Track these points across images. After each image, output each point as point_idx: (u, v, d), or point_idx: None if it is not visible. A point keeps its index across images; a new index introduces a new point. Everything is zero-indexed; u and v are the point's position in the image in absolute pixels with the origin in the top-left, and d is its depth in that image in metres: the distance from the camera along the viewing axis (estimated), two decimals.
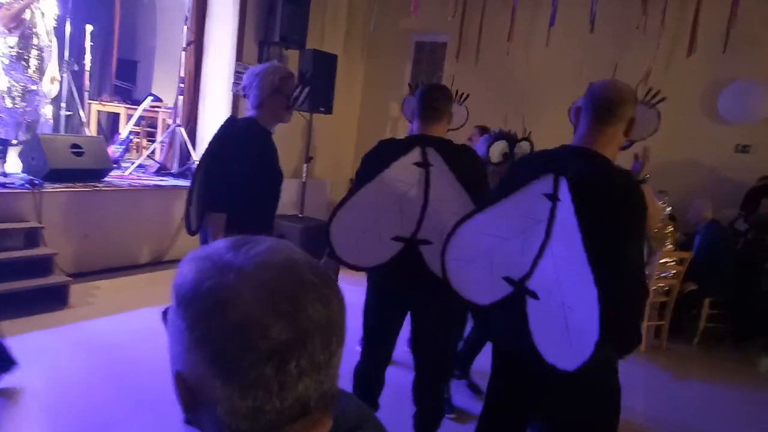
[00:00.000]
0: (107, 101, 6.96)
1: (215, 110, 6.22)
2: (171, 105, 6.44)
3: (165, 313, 0.70)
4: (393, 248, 2.25)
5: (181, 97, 6.00)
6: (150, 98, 6.61)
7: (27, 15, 4.78)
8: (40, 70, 4.96)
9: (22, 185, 4.37)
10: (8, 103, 4.77)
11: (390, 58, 7.68)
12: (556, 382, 1.73)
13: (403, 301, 2.39)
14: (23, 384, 3.01)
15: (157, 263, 5.29)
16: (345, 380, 0.68)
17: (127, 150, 6.54)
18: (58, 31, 5.29)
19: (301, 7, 6.32)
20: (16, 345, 3.26)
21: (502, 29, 6.56)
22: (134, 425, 2.81)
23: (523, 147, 3.36)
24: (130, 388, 3.10)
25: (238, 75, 6.06)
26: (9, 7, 4.66)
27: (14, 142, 4.86)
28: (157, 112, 6.95)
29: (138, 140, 7.22)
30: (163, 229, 5.36)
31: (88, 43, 6.04)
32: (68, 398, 2.96)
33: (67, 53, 5.63)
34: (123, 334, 3.79)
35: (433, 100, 2.34)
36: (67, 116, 5.83)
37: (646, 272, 4.30)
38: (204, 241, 2.55)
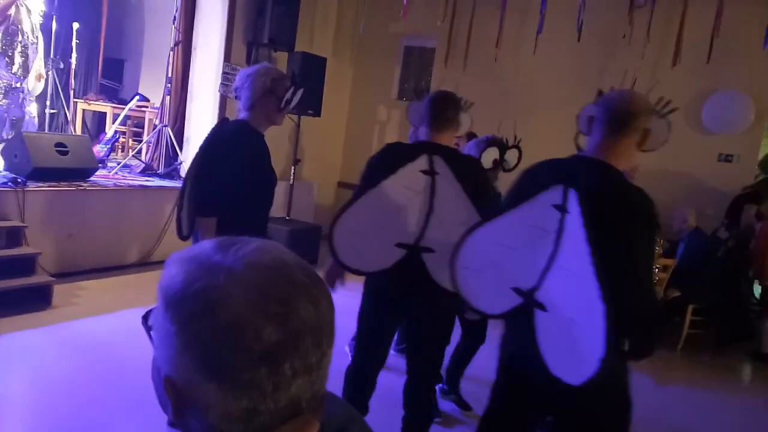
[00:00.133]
0: (93, 100, 6.90)
1: (202, 111, 6.18)
2: (158, 105, 6.40)
3: (146, 317, 0.69)
4: (396, 254, 2.25)
5: (168, 97, 5.95)
6: (137, 98, 6.57)
7: (12, 11, 4.74)
8: (25, 67, 4.91)
9: (5, 183, 4.31)
10: None
11: (379, 62, 7.70)
12: (562, 395, 1.70)
13: (403, 306, 2.39)
14: (7, 383, 2.97)
15: (142, 264, 5.24)
16: (333, 382, 0.68)
17: (112, 149, 6.48)
18: (44, 28, 5.24)
19: (291, 9, 6.30)
20: None
21: (490, 35, 6.60)
22: (119, 425, 2.79)
23: (511, 155, 3.35)
24: (115, 389, 3.07)
25: (225, 76, 6.04)
26: None
27: None
28: (144, 111, 6.90)
29: (124, 140, 7.16)
30: (149, 229, 5.32)
31: (74, 41, 5.99)
32: (52, 398, 2.93)
33: (52, 51, 5.57)
34: (108, 334, 3.75)
35: (444, 109, 2.35)
36: (52, 114, 5.78)
37: None
38: None
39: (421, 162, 2.24)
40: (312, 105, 6.23)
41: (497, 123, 4.84)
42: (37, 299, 4.04)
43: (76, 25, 5.97)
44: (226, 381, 0.58)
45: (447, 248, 2.12)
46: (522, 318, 1.78)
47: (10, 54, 4.77)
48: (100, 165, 5.37)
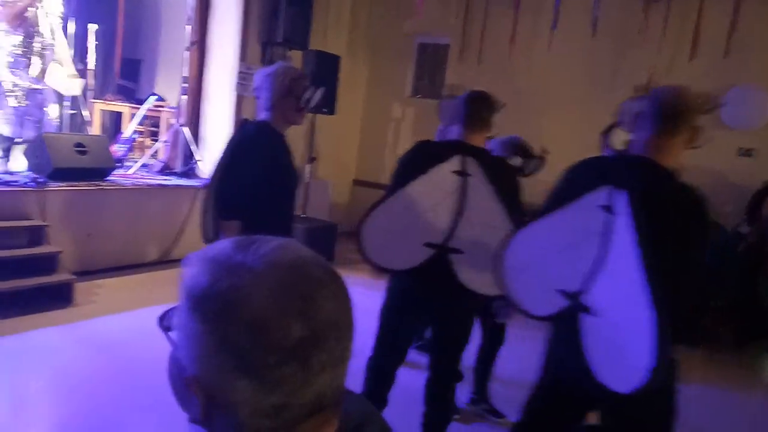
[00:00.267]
0: (111, 100, 6.97)
1: (218, 110, 6.22)
2: (174, 105, 6.45)
3: (162, 318, 0.70)
4: (424, 254, 2.25)
5: (184, 97, 6.01)
6: (153, 98, 6.63)
7: (30, 14, 4.80)
8: (43, 69, 4.98)
9: (27, 183, 4.38)
10: (12, 101, 4.78)
11: (392, 59, 7.70)
12: (609, 400, 1.67)
13: (427, 306, 2.40)
14: (27, 382, 3.02)
15: (161, 262, 5.30)
16: (351, 379, 0.69)
17: (130, 149, 6.55)
18: (62, 30, 5.30)
19: (305, 9, 6.33)
20: (20, 343, 3.28)
21: (504, 32, 6.58)
22: (139, 424, 2.82)
23: (533, 163, 3.28)
24: (135, 387, 3.10)
25: (241, 75, 6.08)
26: (12, 5, 4.68)
27: (18, 140, 4.88)
28: (161, 111, 6.95)
29: (141, 139, 7.23)
30: (167, 228, 5.37)
31: (92, 42, 6.05)
32: (72, 396, 2.97)
33: (71, 52, 5.64)
34: (127, 332, 3.79)
35: (479, 108, 2.34)
36: (71, 115, 5.85)
37: None
38: None
39: (454, 163, 2.23)
40: (326, 103, 6.24)
41: (510, 121, 4.83)
42: (58, 297, 4.10)
43: (93, 27, 6.04)
44: (257, 378, 0.60)
45: (475, 250, 2.11)
46: (568, 321, 1.74)
47: (29, 56, 4.84)
48: (118, 164, 5.44)
